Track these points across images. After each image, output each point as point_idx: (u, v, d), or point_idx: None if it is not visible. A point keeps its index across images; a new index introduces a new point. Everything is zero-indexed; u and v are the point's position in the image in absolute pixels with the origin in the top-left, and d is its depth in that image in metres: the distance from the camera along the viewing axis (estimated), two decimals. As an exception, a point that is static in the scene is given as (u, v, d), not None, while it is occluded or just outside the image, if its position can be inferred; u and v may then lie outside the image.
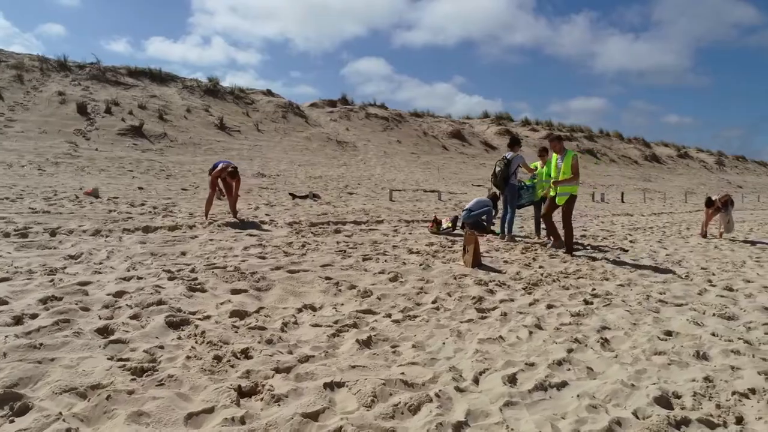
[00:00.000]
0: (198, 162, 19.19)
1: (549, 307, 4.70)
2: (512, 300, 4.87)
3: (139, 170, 16.09)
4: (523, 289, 5.34)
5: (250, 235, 7.47)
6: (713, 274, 6.84)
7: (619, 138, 49.17)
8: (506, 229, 8.96)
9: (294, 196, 13.48)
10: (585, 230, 11.17)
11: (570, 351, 3.55)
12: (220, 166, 8.86)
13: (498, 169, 9.11)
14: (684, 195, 27.07)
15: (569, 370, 3.23)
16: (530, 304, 4.74)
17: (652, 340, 3.86)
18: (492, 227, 9.94)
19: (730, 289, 5.93)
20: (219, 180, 9.04)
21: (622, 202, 22.15)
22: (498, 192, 10.38)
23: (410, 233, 8.92)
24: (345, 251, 6.76)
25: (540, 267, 6.59)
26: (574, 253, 7.71)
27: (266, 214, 9.96)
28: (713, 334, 4.11)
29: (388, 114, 34.55)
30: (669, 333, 4.10)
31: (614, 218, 14.96)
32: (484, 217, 9.73)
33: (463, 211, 10.05)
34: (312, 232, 8.13)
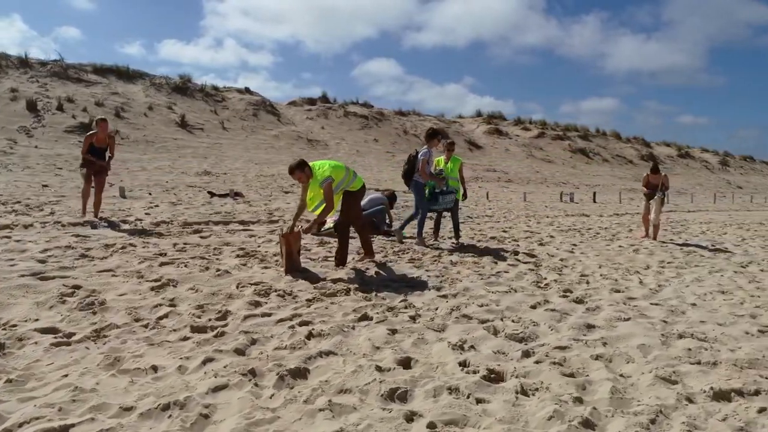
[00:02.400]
0: (144, 159, 18.59)
1: (302, 324, 3.87)
2: (269, 315, 4.04)
3: (70, 168, 15.48)
4: (308, 300, 4.51)
5: (78, 236, 6.72)
6: (587, 283, 5.94)
7: (616, 137, 47.84)
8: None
9: (212, 195, 12.75)
10: (505, 231, 10.25)
11: (218, 389, 2.71)
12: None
13: (406, 165, 8.09)
14: (668, 196, 25.84)
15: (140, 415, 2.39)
16: (280, 321, 3.90)
17: (342, 374, 3.00)
18: (388, 228, 9.10)
19: (580, 301, 5.04)
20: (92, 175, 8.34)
21: (594, 202, 21.09)
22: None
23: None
24: (164, 254, 5.98)
25: (376, 273, 5.75)
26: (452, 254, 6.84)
27: (146, 213, 9.22)
28: (461, 364, 3.23)
29: (368, 112, 33.77)
30: (405, 362, 3.24)
31: (565, 218, 13.99)
32: (379, 216, 8.89)
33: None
34: (161, 233, 7.36)
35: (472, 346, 3.58)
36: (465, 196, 8.29)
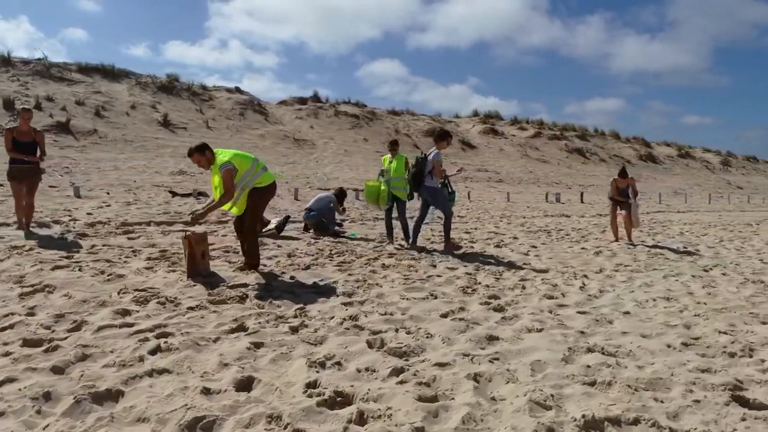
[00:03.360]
0: (120, 159, 18.30)
1: (159, 336, 3.47)
2: (129, 326, 3.65)
3: (37, 167, 15.14)
4: (189, 308, 4.11)
5: (-10, 237, 6.36)
6: (522, 288, 5.53)
7: (615, 137, 47.23)
8: (413, 237, 7.53)
9: (174, 194, 12.41)
10: (468, 232, 9.83)
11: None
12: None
13: (413, 168, 7.38)
14: (659, 196, 25.31)
15: None
16: (136, 333, 3.51)
17: (155, 398, 2.60)
18: (338, 227, 8.69)
19: (500, 309, 4.63)
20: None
21: (582, 202, 20.60)
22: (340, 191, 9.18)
23: (225, 236, 7.74)
24: (69, 257, 5.61)
25: (291, 277, 5.35)
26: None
27: (88, 213, 8.87)
28: (309, 385, 2.83)
29: (359, 112, 33.40)
30: (245, 384, 2.83)
31: (542, 219, 13.53)
32: (328, 216, 8.49)
33: (304, 211, 8.83)
34: (85, 234, 6.99)
35: (338, 363, 3.17)
36: (411, 196, 7.82)
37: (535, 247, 8.48)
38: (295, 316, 4.06)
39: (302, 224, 8.71)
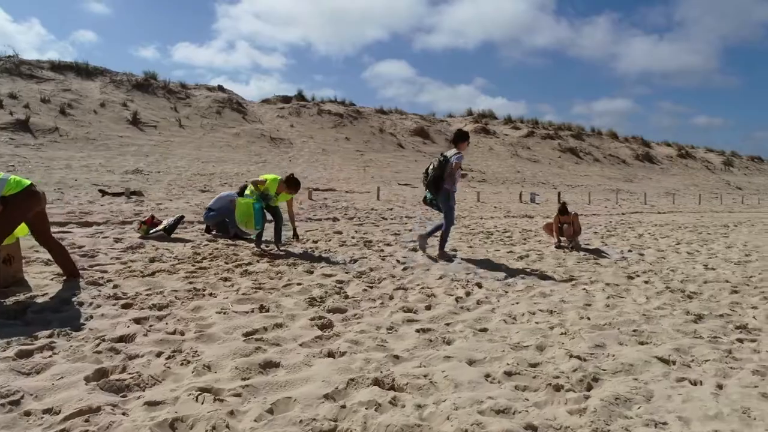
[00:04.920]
0: (76, 157, 17.78)
1: None
2: None
3: (-21, 165, 14.67)
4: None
5: None
6: (389, 299, 4.84)
7: (612, 137, 46.30)
8: (439, 246, 7.03)
9: (104, 193, 11.81)
10: (396, 234, 9.11)
11: None
12: None
13: (431, 167, 6.95)
14: (644, 196, 24.39)
15: None
16: None
17: None
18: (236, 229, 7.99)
19: (328, 326, 3.96)
20: None
21: (559, 203, 19.76)
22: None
23: (119, 237, 7.11)
24: None
25: (114, 287, 4.67)
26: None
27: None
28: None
29: (343, 110, 32.76)
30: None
31: (499, 220, 12.78)
32: (231, 216, 7.80)
33: (204, 210, 8.16)
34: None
35: (14, 402, 2.48)
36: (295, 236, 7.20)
37: (455, 250, 7.75)
38: (51, 336, 3.37)
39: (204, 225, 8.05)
